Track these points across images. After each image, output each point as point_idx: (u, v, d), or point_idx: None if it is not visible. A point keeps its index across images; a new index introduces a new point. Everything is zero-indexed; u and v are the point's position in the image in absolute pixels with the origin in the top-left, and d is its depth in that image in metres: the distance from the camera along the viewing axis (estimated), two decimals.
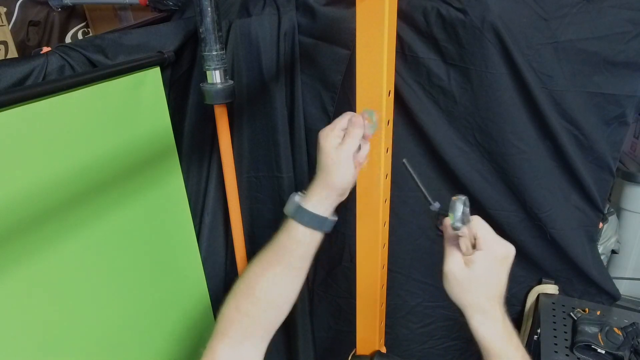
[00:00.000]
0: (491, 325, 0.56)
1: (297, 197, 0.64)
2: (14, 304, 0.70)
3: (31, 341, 0.74)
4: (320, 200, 0.63)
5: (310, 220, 0.62)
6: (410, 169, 0.61)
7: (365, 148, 0.66)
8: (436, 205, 0.60)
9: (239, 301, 0.63)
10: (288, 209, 0.64)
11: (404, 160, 0.62)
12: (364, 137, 0.64)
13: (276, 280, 0.63)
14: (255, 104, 1.07)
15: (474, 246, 0.58)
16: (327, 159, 0.63)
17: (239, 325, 0.62)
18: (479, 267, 0.56)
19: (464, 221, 0.56)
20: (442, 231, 0.61)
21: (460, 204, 0.56)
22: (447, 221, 0.58)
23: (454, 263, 0.58)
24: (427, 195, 0.60)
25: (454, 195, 0.57)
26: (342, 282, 1.20)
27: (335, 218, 0.65)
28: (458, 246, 0.59)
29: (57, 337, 0.79)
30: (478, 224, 0.58)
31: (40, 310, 0.75)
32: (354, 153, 0.62)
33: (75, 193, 0.79)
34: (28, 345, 0.74)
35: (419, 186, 0.61)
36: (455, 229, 0.56)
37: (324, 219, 0.63)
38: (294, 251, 0.63)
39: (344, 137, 0.63)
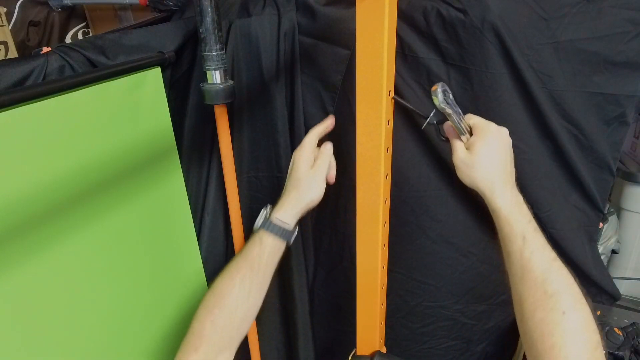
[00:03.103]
0: (499, 196, 0.64)
1: (267, 211, 0.76)
2: (14, 304, 0.70)
3: (31, 341, 0.74)
4: (289, 212, 0.74)
5: (279, 231, 0.73)
6: (401, 100, 0.70)
7: (333, 167, 0.79)
8: (431, 117, 0.71)
9: (214, 315, 0.67)
10: (258, 221, 0.75)
11: (395, 96, 0.70)
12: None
13: (244, 285, 0.69)
14: (255, 104, 1.07)
15: (471, 134, 0.68)
16: (302, 177, 0.74)
17: (211, 340, 0.65)
18: (478, 146, 0.66)
19: (448, 102, 0.64)
20: (445, 137, 0.71)
21: (439, 87, 0.64)
22: (447, 124, 0.68)
23: (458, 152, 0.68)
24: (420, 113, 0.69)
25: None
26: (342, 282, 1.20)
27: (296, 231, 0.78)
28: (460, 139, 0.69)
29: (57, 337, 0.79)
30: (470, 116, 0.69)
31: (39, 310, 0.75)
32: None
33: (75, 193, 0.79)
34: (28, 346, 0.74)
35: (411, 109, 0.69)
36: (442, 110, 0.64)
37: (291, 231, 0.75)
38: (261, 259, 0.73)
39: (316, 159, 0.76)
